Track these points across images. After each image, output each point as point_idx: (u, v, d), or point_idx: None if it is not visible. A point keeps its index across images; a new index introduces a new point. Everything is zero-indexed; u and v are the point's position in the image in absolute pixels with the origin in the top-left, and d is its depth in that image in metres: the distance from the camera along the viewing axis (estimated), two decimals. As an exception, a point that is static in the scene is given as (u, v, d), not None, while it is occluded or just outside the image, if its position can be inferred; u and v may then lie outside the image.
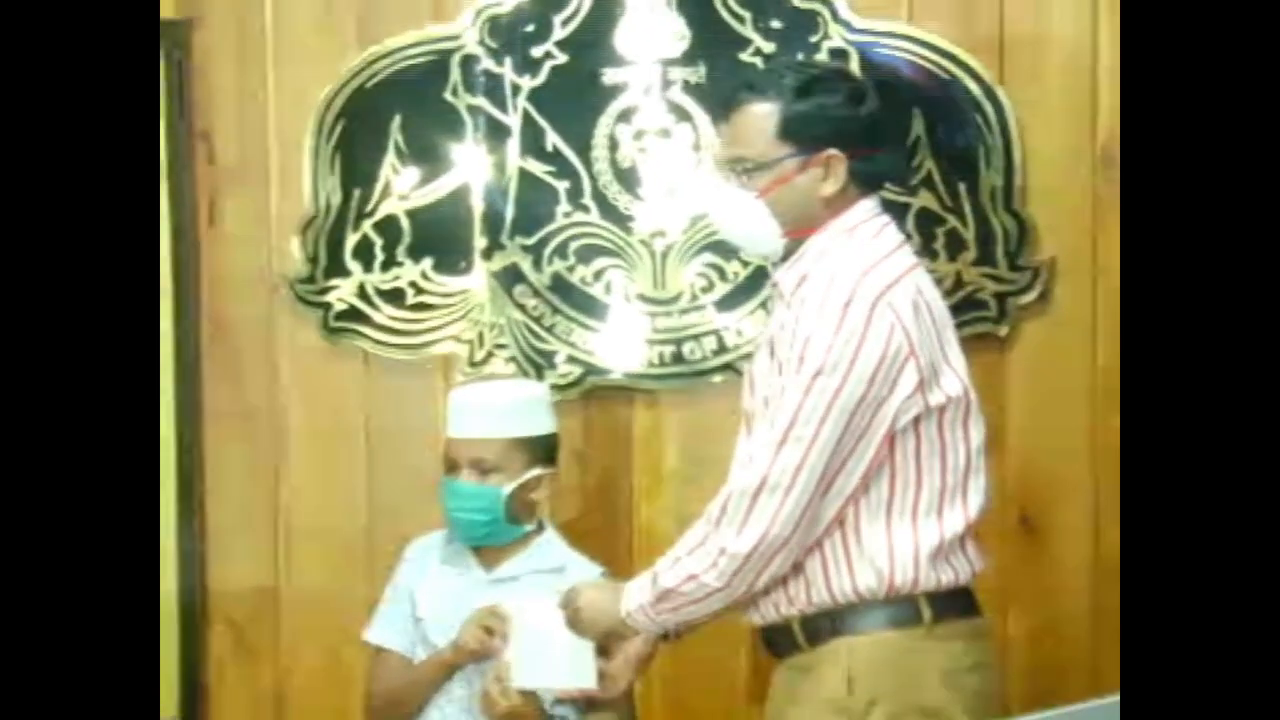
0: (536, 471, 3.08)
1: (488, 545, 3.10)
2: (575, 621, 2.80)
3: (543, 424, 3.12)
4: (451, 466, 3.07)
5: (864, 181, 2.72)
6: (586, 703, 2.99)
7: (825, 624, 2.66)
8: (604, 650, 2.87)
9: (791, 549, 2.60)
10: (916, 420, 2.62)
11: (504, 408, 3.09)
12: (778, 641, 2.73)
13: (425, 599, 3.12)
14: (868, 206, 2.74)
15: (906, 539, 2.64)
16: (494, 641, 2.94)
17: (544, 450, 3.11)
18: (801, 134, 2.69)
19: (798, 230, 2.72)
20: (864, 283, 2.62)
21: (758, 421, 2.67)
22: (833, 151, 2.69)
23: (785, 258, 2.73)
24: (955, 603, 2.69)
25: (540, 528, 3.13)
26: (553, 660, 2.86)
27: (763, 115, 2.70)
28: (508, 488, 3.05)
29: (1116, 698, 1.99)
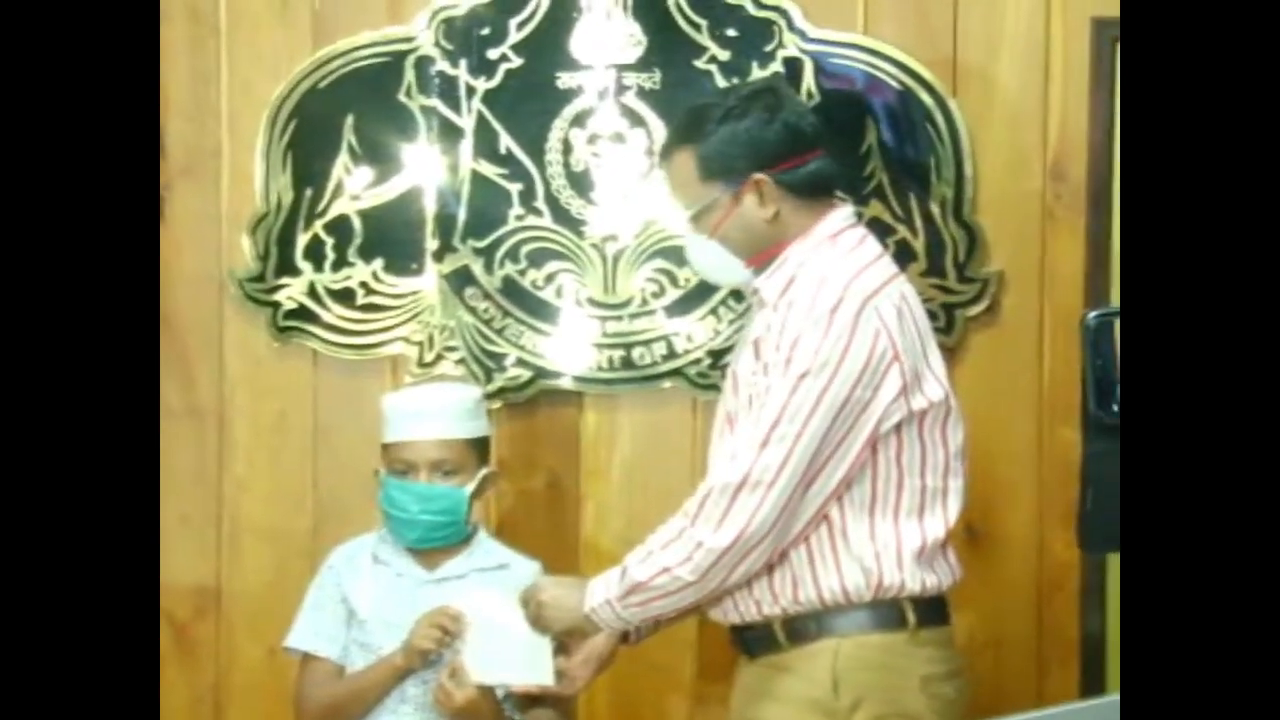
0: (485, 471, 3.10)
1: (435, 547, 3.09)
2: (538, 617, 2.80)
3: (485, 426, 3.16)
4: (405, 469, 3.06)
5: (806, 191, 2.75)
6: (527, 700, 3.00)
7: (810, 624, 2.69)
8: (564, 648, 2.88)
9: (766, 547, 2.62)
10: (899, 424, 2.65)
11: (459, 410, 3.11)
12: (754, 641, 2.74)
13: (364, 602, 3.09)
14: (844, 214, 2.79)
15: (890, 539, 2.67)
16: (448, 641, 2.94)
17: (486, 451, 3.14)
18: (720, 169, 2.75)
19: (759, 255, 2.76)
20: (852, 287, 2.66)
21: (741, 420, 2.68)
22: (756, 176, 2.73)
23: (763, 268, 2.76)
24: (936, 609, 2.74)
25: (474, 528, 3.14)
26: (510, 655, 2.87)
27: (685, 162, 2.77)
28: (469, 487, 3.06)
29: (1116, 697, 1.99)
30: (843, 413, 2.61)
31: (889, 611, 2.67)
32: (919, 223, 3.42)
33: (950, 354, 3.41)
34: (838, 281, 2.66)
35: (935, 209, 3.41)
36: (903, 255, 3.40)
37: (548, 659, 2.86)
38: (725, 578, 2.64)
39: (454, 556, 3.11)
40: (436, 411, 3.09)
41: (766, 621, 2.71)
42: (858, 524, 2.67)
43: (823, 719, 2.65)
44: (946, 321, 3.42)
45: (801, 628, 2.69)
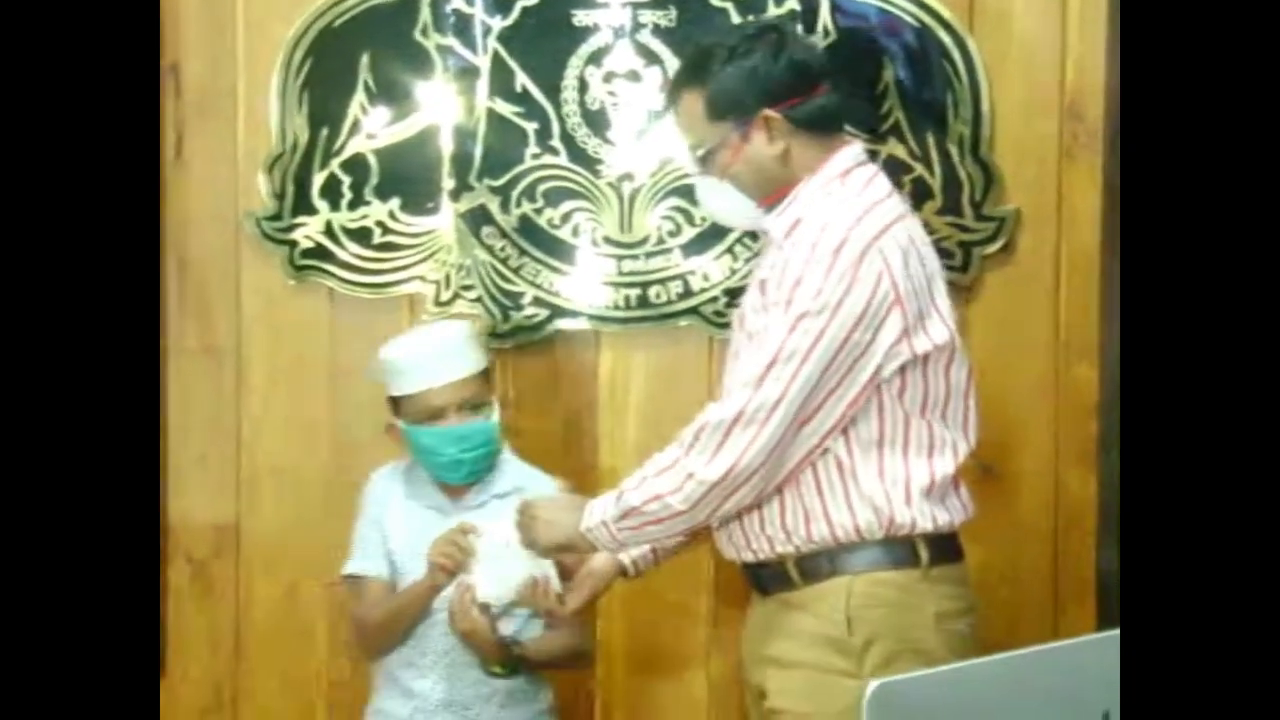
0: (494, 398, 3.16)
1: (478, 479, 3.15)
2: (530, 529, 2.81)
3: (485, 357, 3.20)
4: (434, 415, 3.10)
5: (815, 125, 2.75)
6: (546, 622, 3.07)
7: (824, 562, 2.70)
8: (565, 573, 2.92)
9: (757, 482, 2.63)
10: (903, 366, 2.65)
11: (465, 345, 3.15)
12: (768, 578, 2.76)
13: (395, 532, 3.17)
14: (854, 152, 2.79)
15: (900, 477, 2.68)
16: (460, 556, 2.99)
17: (490, 380, 3.20)
18: (728, 108, 2.74)
19: (772, 195, 2.76)
20: (856, 229, 2.65)
21: (742, 356, 2.70)
22: (765, 112, 2.73)
23: (774, 207, 2.76)
24: (948, 546, 2.75)
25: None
26: (513, 574, 2.92)
27: (693, 103, 2.77)
28: (495, 417, 3.13)
29: (1116, 631, 2.00)
30: (841, 354, 2.62)
31: (902, 549, 2.68)
32: (936, 161, 3.41)
33: (966, 292, 3.41)
34: (842, 222, 2.65)
35: (952, 147, 3.40)
36: (919, 193, 3.40)
37: (549, 579, 2.92)
38: (716, 509, 2.66)
39: (475, 485, 3.15)
40: (448, 352, 3.12)
41: (780, 559, 2.72)
42: (866, 462, 2.67)
43: (836, 656, 2.66)
44: (963, 260, 3.41)
45: (815, 565, 2.70)
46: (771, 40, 2.76)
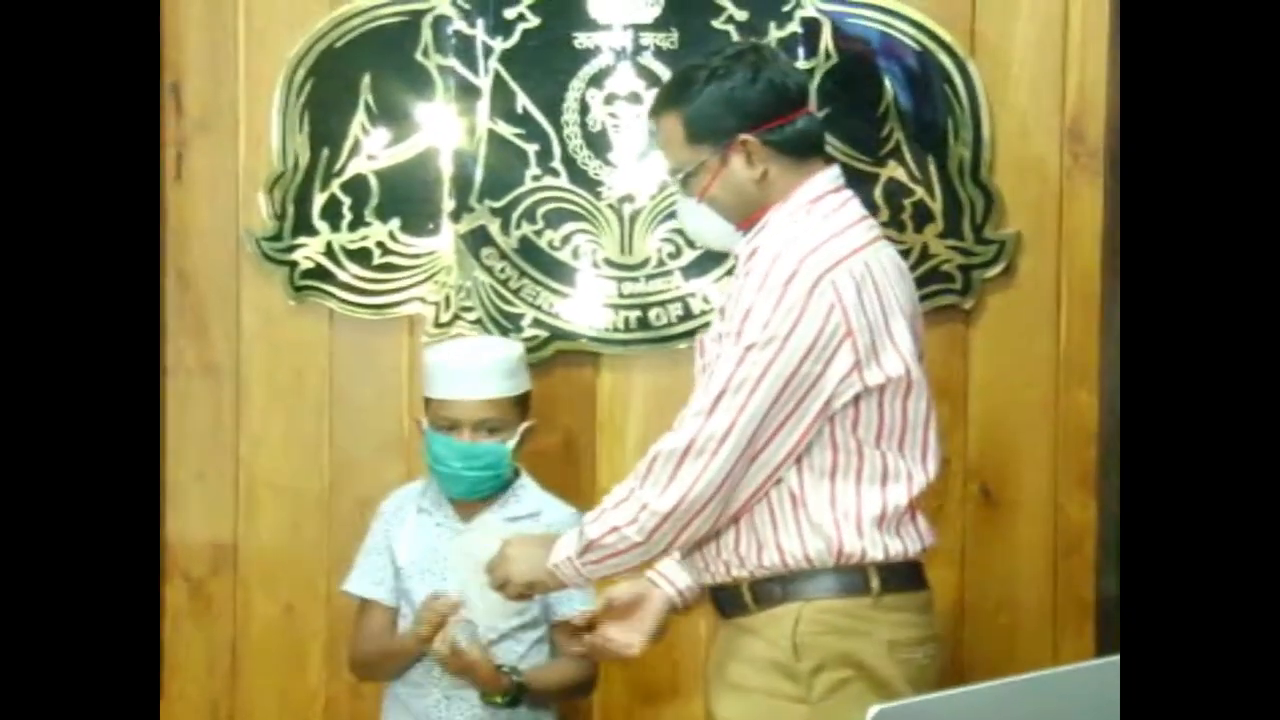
0: (527, 425, 3.17)
1: (482, 499, 3.16)
2: (502, 567, 2.82)
3: (527, 381, 3.22)
4: (450, 426, 3.11)
5: (793, 149, 2.75)
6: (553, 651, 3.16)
7: (775, 588, 2.70)
8: (619, 613, 2.89)
9: (711, 512, 2.65)
10: (856, 398, 2.66)
11: (503, 368, 3.17)
12: (726, 601, 2.77)
13: (404, 548, 3.19)
14: (830, 176, 2.79)
15: (851, 507, 2.68)
16: (440, 620, 3.01)
17: (527, 405, 3.21)
18: (706, 131, 2.75)
19: (750, 218, 2.77)
20: (810, 259, 2.66)
21: (697, 385, 2.71)
22: (742, 137, 2.73)
23: (749, 230, 2.78)
24: (903, 575, 2.73)
25: (516, 473, 3.21)
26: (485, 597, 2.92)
27: (673, 125, 2.79)
28: (511, 443, 3.14)
29: (1116, 657, 2.00)
30: (789, 386, 2.62)
31: (852, 577, 2.68)
32: (936, 184, 3.41)
33: (966, 316, 3.41)
34: (795, 253, 2.65)
35: (953, 170, 3.40)
36: (920, 216, 3.40)
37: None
38: (672, 540, 2.67)
39: (490, 506, 3.17)
40: (481, 371, 3.14)
41: (735, 583, 2.73)
42: (817, 491, 2.67)
43: (784, 681, 2.67)
44: (964, 283, 3.41)
45: (767, 591, 2.71)
46: (750, 62, 2.77)
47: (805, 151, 2.76)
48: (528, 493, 3.21)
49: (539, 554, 2.78)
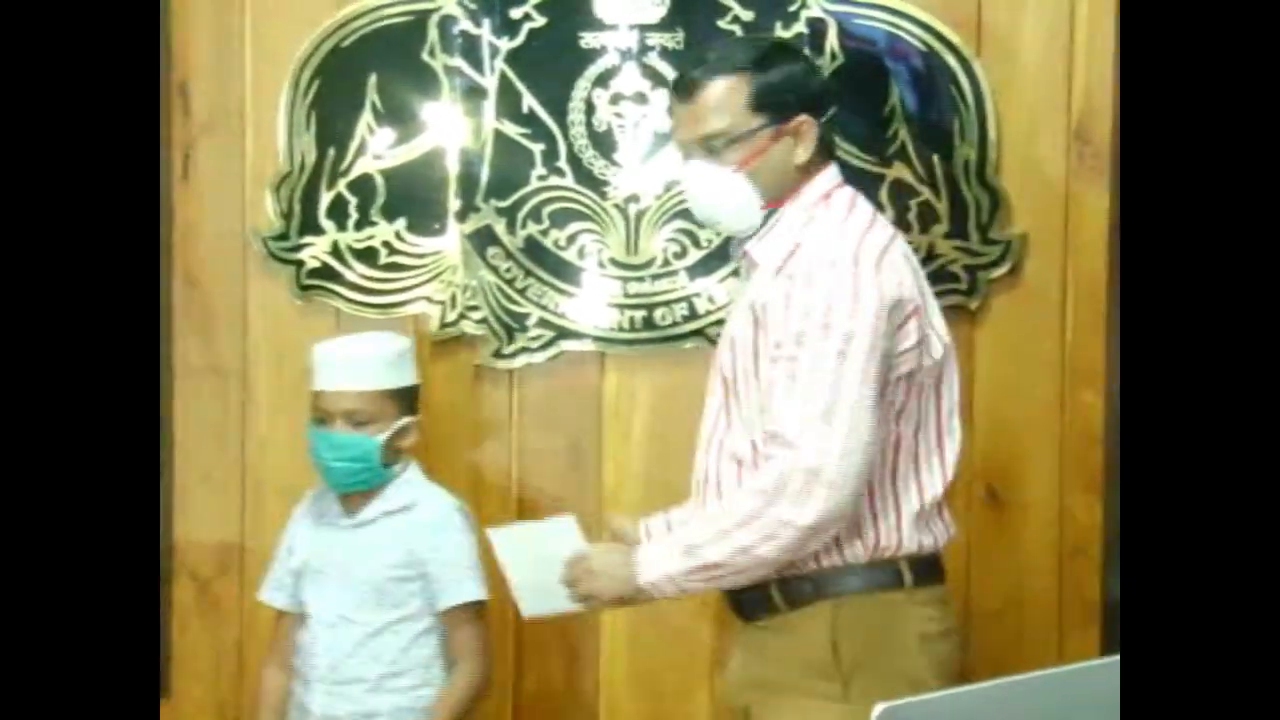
0: (405, 421, 3.16)
1: (358, 491, 3.18)
2: (586, 583, 2.73)
3: (408, 376, 3.22)
4: (323, 418, 3.14)
5: (824, 147, 2.79)
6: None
7: (806, 586, 2.68)
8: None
9: (850, 517, 2.62)
10: (905, 376, 2.66)
11: (373, 361, 3.17)
12: (750, 603, 2.74)
13: (298, 549, 3.24)
14: (832, 174, 2.80)
15: (888, 503, 2.68)
16: None
17: (410, 400, 3.21)
18: (773, 103, 2.74)
19: (775, 200, 2.76)
20: (865, 243, 2.67)
21: (778, 392, 2.63)
22: (804, 117, 2.75)
23: (772, 213, 2.76)
24: (932, 568, 2.74)
25: (402, 469, 3.21)
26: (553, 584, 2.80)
27: (732, 88, 2.75)
28: (381, 436, 3.14)
29: (1116, 658, 2.00)
30: (882, 364, 2.62)
31: (885, 571, 2.68)
32: (942, 184, 3.40)
33: (972, 316, 3.41)
34: (851, 239, 2.67)
35: (958, 171, 3.40)
36: (926, 217, 3.40)
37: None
38: (807, 551, 2.63)
39: (372, 500, 3.18)
40: (350, 362, 3.16)
41: (762, 583, 2.69)
42: None
43: (823, 681, 2.65)
44: (969, 284, 3.40)
45: (797, 589, 2.68)
46: (806, 58, 2.86)
47: (826, 153, 2.80)
48: (407, 486, 3.20)
49: (624, 571, 2.69)
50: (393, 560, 3.15)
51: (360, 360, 3.15)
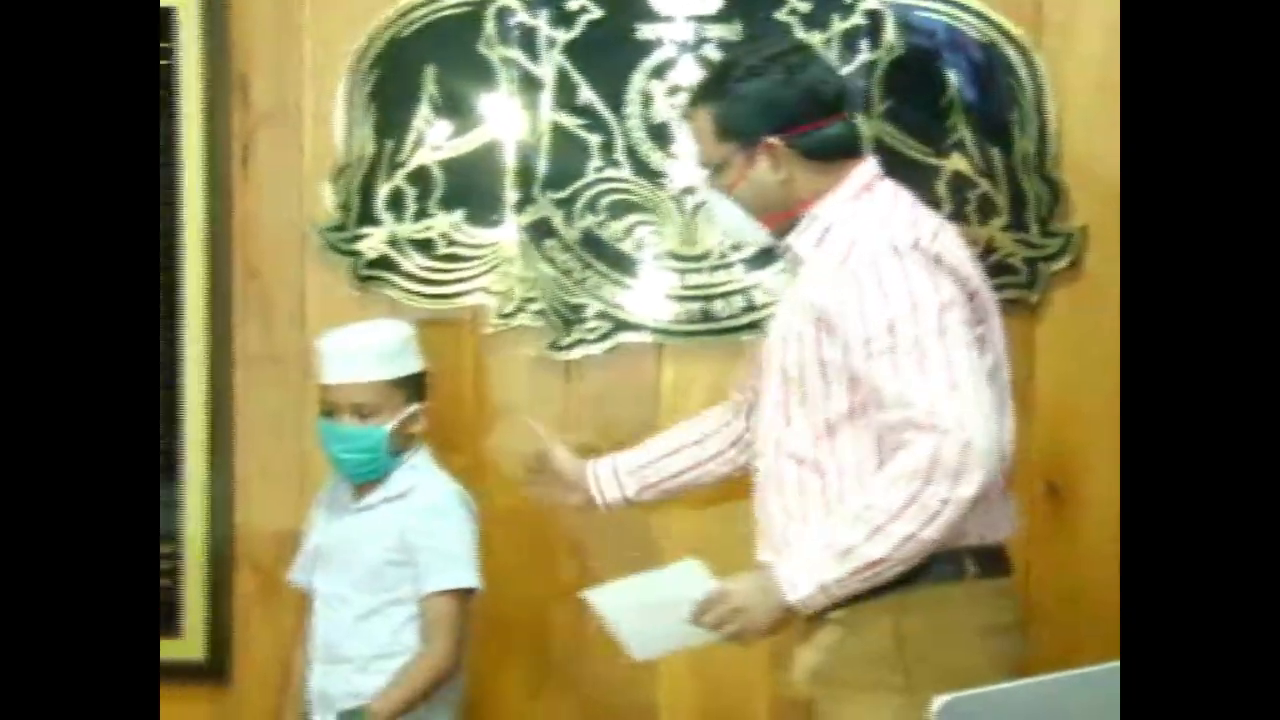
0: (412, 408, 3.18)
1: (369, 480, 3.20)
2: (732, 623, 2.66)
3: (413, 364, 3.22)
4: (331, 411, 3.16)
5: (822, 154, 2.74)
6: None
7: None
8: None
9: (998, 477, 2.62)
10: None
11: (378, 352, 3.18)
12: None
13: (313, 533, 3.28)
14: (869, 166, 2.79)
15: None
16: None
17: (416, 387, 3.22)
18: (735, 130, 2.74)
19: (774, 217, 2.77)
20: (920, 228, 2.67)
21: (884, 379, 2.60)
22: (769, 140, 2.72)
23: (787, 231, 2.77)
24: (995, 560, 2.73)
25: (413, 454, 3.23)
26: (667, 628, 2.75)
27: (704, 119, 2.78)
28: (389, 426, 3.15)
29: (1116, 663, 1.99)
30: (973, 333, 2.63)
31: (950, 563, 2.66)
32: (1001, 177, 3.39)
33: (1032, 310, 3.39)
34: (904, 221, 2.68)
35: (1018, 163, 3.38)
36: (985, 209, 3.38)
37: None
38: (961, 523, 2.59)
39: (377, 487, 3.21)
40: (350, 355, 3.16)
41: None
42: None
43: (887, 672, 2.64)
44: (1029, 277, 3.39)
45: None
46: (789, 63, 2.76)
47: (835, 156, 2.75)
48: (411, 472, 3.21)
49: (771, 598, 2.63)
50: (388, 544, 3.17)
51: (363, 352, 3.16)
